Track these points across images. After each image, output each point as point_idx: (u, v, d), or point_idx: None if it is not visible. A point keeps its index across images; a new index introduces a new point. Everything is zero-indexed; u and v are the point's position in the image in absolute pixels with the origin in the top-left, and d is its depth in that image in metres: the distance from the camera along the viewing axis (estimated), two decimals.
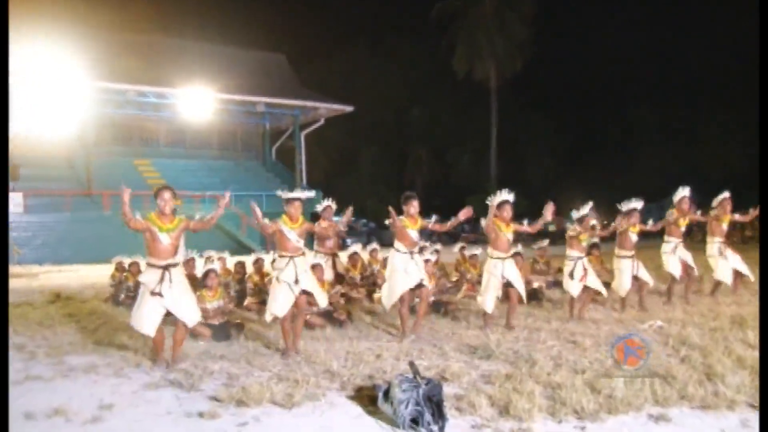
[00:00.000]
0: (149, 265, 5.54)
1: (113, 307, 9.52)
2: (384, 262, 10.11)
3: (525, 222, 7.65)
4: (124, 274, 10.09)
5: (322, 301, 6.52)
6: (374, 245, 11.60)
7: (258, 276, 9.42)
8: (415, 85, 41.07)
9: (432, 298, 7.71)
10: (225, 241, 22.39)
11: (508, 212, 7.15)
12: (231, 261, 10.82)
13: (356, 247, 10.90)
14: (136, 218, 5.50)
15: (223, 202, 5.71)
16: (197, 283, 8.12)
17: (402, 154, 42.06)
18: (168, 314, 5.60)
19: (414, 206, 6.82)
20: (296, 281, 6.05)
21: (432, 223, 7.15)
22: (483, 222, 7.18)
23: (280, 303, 6.05)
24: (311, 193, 6.46)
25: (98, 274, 14.00)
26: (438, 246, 11.40)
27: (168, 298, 5.44)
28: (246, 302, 9.17)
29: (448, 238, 26.84)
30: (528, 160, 40.45)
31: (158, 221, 5.48)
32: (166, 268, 5.45)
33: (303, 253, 6.24)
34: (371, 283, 10.61)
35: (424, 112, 41.23)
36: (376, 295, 9.64)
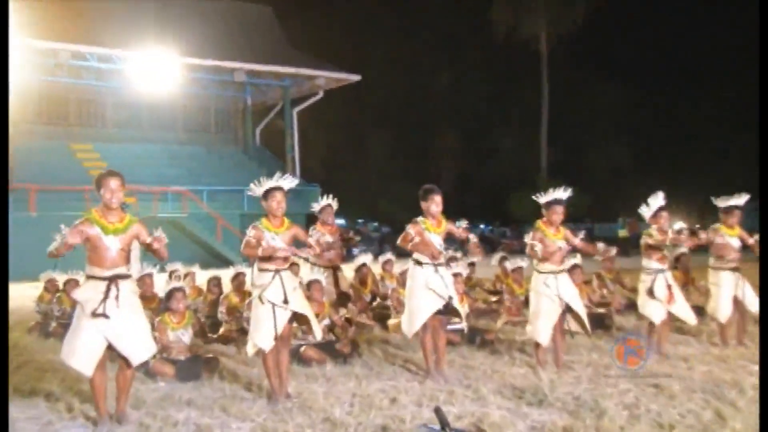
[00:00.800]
0: (89, 277, 5.43)
1: (40, 340, 9.49)
2: (401, 278, 10.12)
3: (581, 234, 7.65)
4: (57, 295, 10.05)
5: (318, 330, 6.50)
6: (388, 255, 11.61)
7: (237, 296, 9.44)
8: (442, 47, 41.09)
9: (464, 325, 7.67)
10: (194, 250, 22.58)
11: (558, 215, 7.13)
12: (202, 277, 10.85)
13: (365, 258, 10.93)
14: (66, 232, 5.27)
15: (160, 245, 5.59)
16: (157, 307, 8.15)
17: (424, 137, 42.18)
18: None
19: (436, 203, 6.78)
20: (285, 301, 6.02)
21: (462, 228, 7.10)
22: (528, 238, 7.20)
23: (264, 331, 6.01)
24: (293, 181, 6.34)
25: (21, 296, 14.05)
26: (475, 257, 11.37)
27: (114, 323, 5.33)
28: (221, 330, 9.20)
29: (485, 246, 26.80)
30: (590, 144, 40.38)
31: (101, 219, 5.42)
32: (112, 280, 5.40)
33: (293, 265, 6.23)
34: (384, 306, 10.61)
35: (454, 83, 41.30)
36: (390, 321, 9.63)
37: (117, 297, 5.34)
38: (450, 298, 6.72)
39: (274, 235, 6.10)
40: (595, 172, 38.33)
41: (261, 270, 6.12)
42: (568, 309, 7.17)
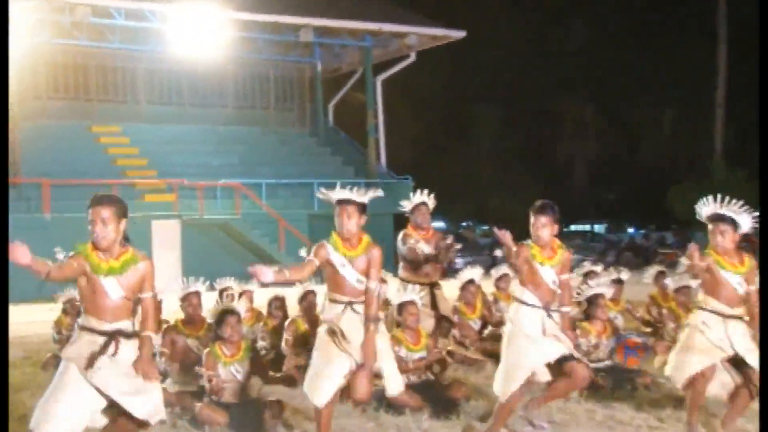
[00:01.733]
0: (83, 329, 5.48)
1: None
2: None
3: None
4: (78, 320, 10.38)
5: (396, 382, 6.51)
6: (503, 269, 11.52)
7: (307, 322, 9.54)
8: None
9: (607, 363, 7.55)
10: (249, 261, 22.78)
11: (731, 238, 6.70)
12: (262, 296, 11.01)
13: (473, 273, 10.86)
14: (59, 262, 5.32)
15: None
16: (205, 335, 8.31)
17: (551, 115, 41.71)
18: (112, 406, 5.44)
19: (549, 226, 6.62)
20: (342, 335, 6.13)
21: (587, 269, 6.85)
22: (693, 251, 6.68)
23: (326, 379, 6.11)
24: (378, 193, 6.41)
25: (32, 321, 14.44)
26: (622, 272, 11.14)
27: (111, 375, 5.33)
28: (286, 366, 9.31)
29: (637, 258, 26.39)
30: None
31: (92, 254, 5.38)
32: (112, 337, 5.41)
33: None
34: (498, 335, 10.53)
35: (592, 43, 40.63)
36: None
37: (114, 355, 5.33)
38: (566, 352, 6.53)
39: (345, 261, 6.19)
40: None
41: (332, 301, 6.26)
42: (738, 362, 6.80)
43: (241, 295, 10.38)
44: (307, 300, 9.71)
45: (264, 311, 10.50)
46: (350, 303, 6.16)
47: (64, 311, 10.86)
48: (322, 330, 6.26)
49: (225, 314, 7.58)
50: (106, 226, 5.27)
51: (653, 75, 39.61)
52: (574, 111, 41.61)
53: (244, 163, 28.67)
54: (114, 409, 5.35)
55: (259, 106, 32.46)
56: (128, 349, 5.38)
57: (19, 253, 4.87)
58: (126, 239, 5.43)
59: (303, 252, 9.59)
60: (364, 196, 6.23)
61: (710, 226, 6.66)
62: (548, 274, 6.56)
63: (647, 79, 39.72)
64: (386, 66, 31.27)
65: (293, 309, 10.17)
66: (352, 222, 6.16)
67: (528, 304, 6.58)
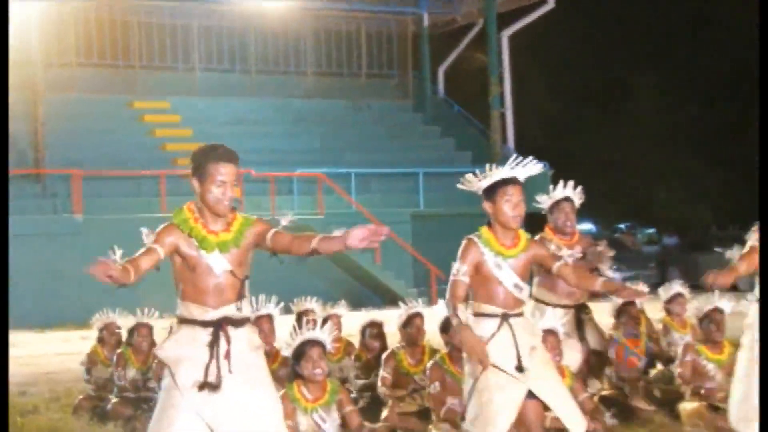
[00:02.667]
0: (182, 321, 5.68)
1: (93, 424, 9.91)
2: (705, 329, 9.86)
3: None
4: (119, 350, 10.55)
5: (576, 421, 6.53)
6: (677, 287, 11.40)
7: (410, 355, 9.57)
8: None
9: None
10: (337, 276, 23.16)
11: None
12: (353, 321, 11.09)
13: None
14: (139, 254, 5.45)
15: (363, 235, 5.61)
16: (279, 370, 8.39)
17: (745, 83, 41.02)
18: None
19: None
20: (519, 368, 6.28)
21: None
22: None
23: (491, 419, 6.25)
24: (538, 167, 6.59)
25: (59, 352, 14.75)
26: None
27: (223, 398, 5.51)
28: (385, 413, 9.34)
29: None
30: None
31: (198, 226, 5.65)
32: (220, 326, 5.64)
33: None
34: (670, 377, 10.42)
35: None
36: (684, 406, 9.44)
37: (228, 355, 5.53)
38: None
39: (501, 261, 6.39)
40: None
41: (478, 314, 6.44)
42: None
43: (326, 320, 10.45)
44: (413, 325, 9.74)
45: (356, 341, 10.57)
46: (506, 316, 6.40)
47: (101, 340, 11.01)
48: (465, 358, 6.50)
49: (306, 346, 7.65)
50: (229, 187, 5.67)
51: None
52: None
53: (327, 147, 29.01)
54: None
55: (347, 73, 32.80)
56: (240, 337, 5.61)
57: (101, 268, 5.08)
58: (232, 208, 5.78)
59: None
60: (532, 170, 6.52)
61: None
62: None
63: None
64: (515, 16, 31.16)
65: (394, 337, 10.21)
66: (519, 209, 6.40)
67: None
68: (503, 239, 6.40)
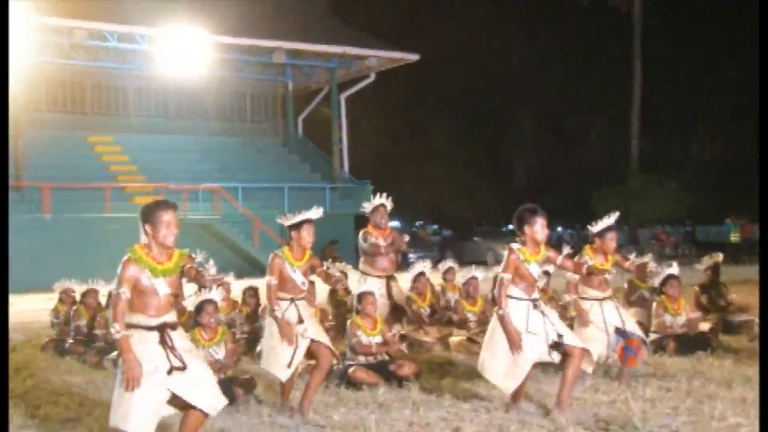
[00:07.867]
0: (130, 326, 5.34)
1: (55, 359, 9.81)
2: (464, 289, 10.14)
3: (631, 257, 8.11)
4: (74, 307, 10.40)
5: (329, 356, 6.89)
6: (450, 263, 11.63)
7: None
8: (515, 19, 40.70)
9: None
10: (228, 257, 22.88)
11: (611, 242, 7.63)
12: (238, 287, 11.02)
13: (423, 267, 10.92)
14: (122, 305, 5.28)
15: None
16: (186, 321, 8.32)
17: (495, 125, 41.91)
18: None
19: (542, 227, 6.61)
20: (300, 321, 6.76)
21: (562, 258, 6.85)
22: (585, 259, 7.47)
23: (281, 362, 6.65)
24: (318, 212, 6.96)
25: (34, 308, 14.37)
26: None
27: (181, 374, 5.33)
28: (259, 347, 9.32)
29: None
30: (692, 131, 39.44)
31: (148, 258, 5.39)
32: (161, 330, 5.39)
33: (308, 297, 7.06)
34: (446, 321, 10.63)
35: (529, 60, 40.83)
36: (453, 339, 9.67)
37: (172, 348, 5.36)
38: (560, 336, 6.46)
39: (295, 269, 6.89)
40: (699, 164, 37.49)
41: (278, 298, 6.86)
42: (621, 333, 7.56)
43: (218, 285, 10.36)
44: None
45: (239, 300, 10.52)
46: (293, 299, 6.89)
47: (61, 300, 11.01)
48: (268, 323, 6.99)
49: (204, 303, 7.59)
50: (173, 228, 5.40)
51: (583, 89, 39.46)
52: (516, 122, 41.87)
53: (223, 169, 28.61)
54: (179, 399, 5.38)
55: (238, 119, 32.54)
56: (179, 337, 5.47)
57: (134, 376, 5.11)
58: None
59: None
60: (314, 214, 6.99)
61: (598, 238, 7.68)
62: (534, 269, 6.59)
63: (577, 93, 39.61)
64: (349, 84, 31.31)
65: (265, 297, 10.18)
66: (311, 236, 6.95)
67: (514, 297, 6.53)
68: (297, 253, 6.96)
